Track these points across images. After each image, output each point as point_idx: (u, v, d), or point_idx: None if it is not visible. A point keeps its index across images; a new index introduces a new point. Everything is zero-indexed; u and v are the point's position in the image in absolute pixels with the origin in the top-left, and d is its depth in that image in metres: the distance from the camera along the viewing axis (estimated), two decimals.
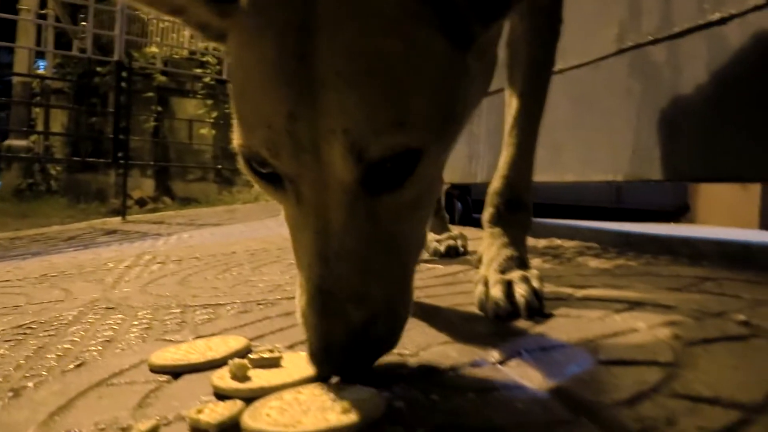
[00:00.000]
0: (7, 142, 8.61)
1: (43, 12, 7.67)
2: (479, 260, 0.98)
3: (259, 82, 0.56)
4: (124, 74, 5.03)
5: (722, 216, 3.92)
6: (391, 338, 0.61)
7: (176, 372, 0.76)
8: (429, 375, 0.65)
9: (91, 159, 6.93)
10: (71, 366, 0.87)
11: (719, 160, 1.18)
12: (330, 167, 0.54)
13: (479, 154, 2.15)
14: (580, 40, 1.18)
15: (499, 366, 0.67)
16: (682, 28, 1.26)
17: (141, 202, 7.75)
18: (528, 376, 0.63)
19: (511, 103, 1.04)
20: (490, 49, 0.74)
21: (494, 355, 0.70)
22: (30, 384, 0.82)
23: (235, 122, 0.60)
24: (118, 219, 4.85)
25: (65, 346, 1.01)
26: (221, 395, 0.66)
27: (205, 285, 1.47)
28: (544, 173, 1.65)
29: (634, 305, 0.83)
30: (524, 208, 1.02)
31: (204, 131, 8.09)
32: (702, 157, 1.21)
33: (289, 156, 0.55)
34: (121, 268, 1.99)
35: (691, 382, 0.56)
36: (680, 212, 4.13)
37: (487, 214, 1.03)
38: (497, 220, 1.01)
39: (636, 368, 0.61)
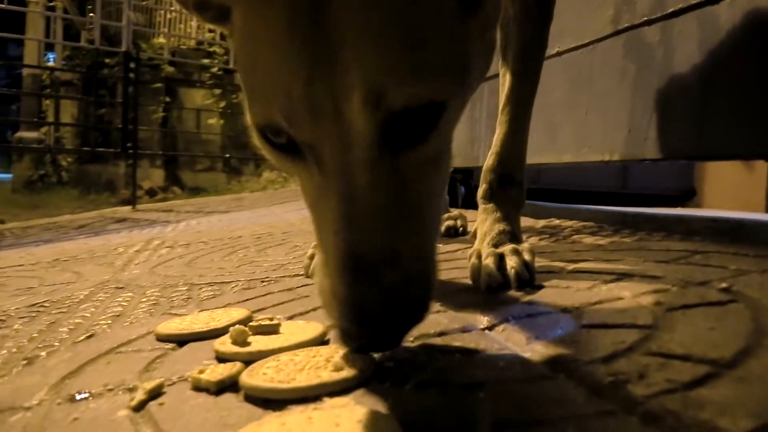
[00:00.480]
0: (18, 134, 8.67)
1: (51, 4, 7.70)
2: (474, 235, 1.01)
3: (273, 50, 0.54)
4: (131, 65, 5.07)
5: (728, 199, 3.93)
6: (426, 303, 0.58)
7: (181, 340, 0.80)
8: (418, 339, 0.68)
9: (101, 149, 6.96)
10: (82, 337, 0.91)
11: (713, 138, 1.20)
12: (352, 125, 0.52)
13: (481, 138, 2.17)
14: (576, 22, 1.20)
15: (486, 331, 0.70)
16: (675, 7, 1.28)
17: (151, 192, 7.80)
18: (513, 340, 0.66)
19: (505, 83, 1.07)
20: (489, 31, 0.75)
21: (482, 321, 0.73)
22: (42, 353, 0.86)
23: (246, 99, 0.59)
24: (128, 208, 4.90)
25: (76, 321, 1.05)
26: (222, 359, 0.70)
27: (212, 266, 1.51)
28: (541, 154, 1.67)
29: (622, 276, 0.86)
30: (516, 185, 1.05)
31: (212, 121, 8.12)
32: (696, 135, 1.23)
33: (310, 121, 0.53)
34: (130, 253, 2.04)
35: (666, 342, 0.59)
36: (686, 196, 4.15)
37: (481, 190, 1.06)
38: (490, 196, 1.04)
39: (615, 331, 0.64)
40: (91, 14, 5.84)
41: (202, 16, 0.66)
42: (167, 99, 8.17)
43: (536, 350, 0.61)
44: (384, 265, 0.53)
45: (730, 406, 0.45)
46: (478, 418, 0.48)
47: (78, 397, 0.65)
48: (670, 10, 1.28)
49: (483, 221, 1.00)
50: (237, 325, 0.73)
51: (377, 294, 0.53)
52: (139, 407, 0.59)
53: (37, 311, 1.19)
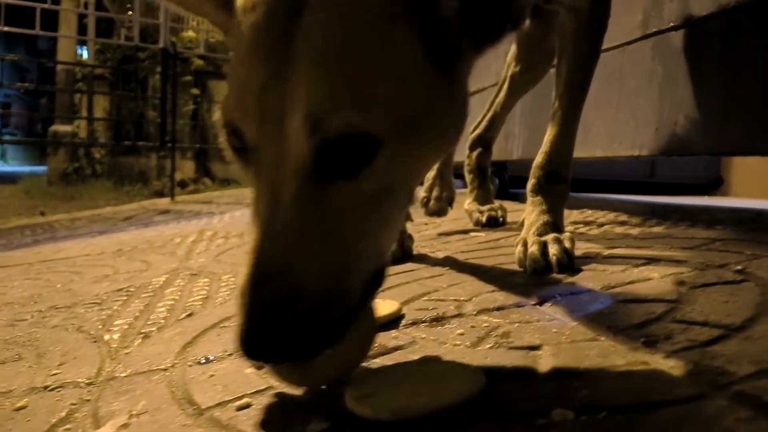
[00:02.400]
0: (53, 128, 8.92)
1: (84, 1, 7.90)
2: (521, 225, 1.14)
3: (245, 56, 0.60)
4: (169, 61, 5.25)
5: (755, 188, 4.00)
6: (320, 321, 0.57)
7: None
8: (482, 312, 0.82)
9: (140, 143, 7.16)
10: (183, 316, 1.06)
11: (736, 136, 1.32)
12: (290, 138, 0.56)
13: (515, 134, 2.30)
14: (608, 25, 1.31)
15: (537, 306, 0.84)
16: (700, 14, 1.39)
17: (182, 184, 7.99)
18: (561, 312, 0.80)
19: (557, 89, 1.19)
20: (546, 40, 0.77)
21: (533, 298, 0.87)
22: (154, 329, 1.01)
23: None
24: (167, 200, 5.08)
25: (168, 302, 1.20)
26: None
27: None
28: (574, 150, 1.79)
29: (650, 261, 0.99)
30: (562, 181, 1.17)
31: None
32: (720, 133, 1.35)
33: (257, 124, 0.58)
34: (188, 243, 2.19)
35: (688, 312, 0.73)
36: (714, 185, 4.22)
37: (529, 184, 1.18)
38: (538, 190, 1.16)
39: (646, 304, 0.78)
40: (130, 12, 6.03)
41: (220, 29, 0.74)
42: (197, 92, 8.34)
43: (581, 320, 0.75)
44: (281, 276, 0.55)
45: (737, 357, 0.58)
46: (541, 369, 0.62)
47: (203, 360, 0.80)
48: (697, 17, 1.39)
49: (530, 212, 1.13)
50: None
51: (265, 301, 0.55)
52: (261, 366, 0.74)
53: (126, 295, 1.34)
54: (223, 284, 1.30)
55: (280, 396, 0.65)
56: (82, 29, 8.07)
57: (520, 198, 2.47)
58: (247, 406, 0.63)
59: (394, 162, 0.58)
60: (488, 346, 0.71)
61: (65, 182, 8.49)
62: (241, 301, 0.56)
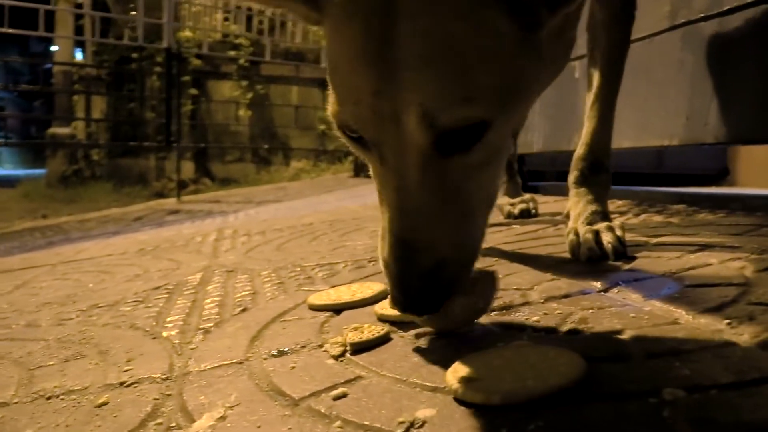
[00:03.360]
0: (51, 130, 8.89)
1: (79, 1, 7.87)
2: (567, 215, 1.15)
3: (348, 63, 0.65)
4: (173, 61, 5.24)
5: (762, 178, 4.02)
6: (459, 280, 0.69)
7: (336, 309, 0.95)
8: (550, 300, 0.83)
9: (145, 143, 7.15)
10: (237, 311, 1.07)
11: (767, 124, 1.33)
12: (407, 135, 0.62)
13: (534, 126, 2.31)
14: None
15: (603, 293, 0.85)
16: (732, 5, 1.40)
17: (182, 184, 7.96)
18: (630, 299, 0.81)
19: (593, 81, 1.20)
20: (566, 33, 0.86)
21: (597, 286, 0.88)
22: (211, 324, 1.01)
23: (330, 94, 0.70)
24: (174, 200, 5.08)
25: (216, 299, 1.21)
26: (386, 320, 0.85)
27: (305, 250, 1.66)
28: None
29: (704, 247, 1.00)
30: (605, 170, 1.19)
31: (240, 112, 8.26)
32: (753, 121, 1.36)
33: (374, 126, 0.64)
34: (210, 241, 2.19)
35: (762, 295, 0.74)
36: (721, 176, 4.24)
37: (572, 176, 1.19)
38: (582, 181, 1.17)
39: (716, 288, 0.79)
40: (133, 12, 6.02)
41: (308, 22, 0.79)
42: (195, 92, 8.33)
43: (655, 305, 0.76)
44: (423, 250, 0.65)
45: None
46: (632, 351, 0.63)
47: (277, 353, 0.81)
48: (727, 8, 1.40)
49: (576, 203, 1.14)
50: None
51: (417, 273, 0.65)
52: (340, 356, 0.75)
53: (167, 293, 1.34)
54: (265, 280, 1.31)
55: (374, 384, 0.65)
56: (78, 31, 8.04)
57: (540, 191, 2.48)
58: (344, 395, 0.63)
59: (500, 130, 0.66)
60: (569, 332, 0.71)
61: (64, 185, 8.46)
62: (390, 271, 0.67)
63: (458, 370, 0.60)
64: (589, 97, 1.21)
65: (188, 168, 8.55)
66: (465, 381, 0.57)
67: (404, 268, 0.66)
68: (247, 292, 1.22)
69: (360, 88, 0.64)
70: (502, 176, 0.77)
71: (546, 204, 1.92)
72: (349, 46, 0.65)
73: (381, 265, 0.70)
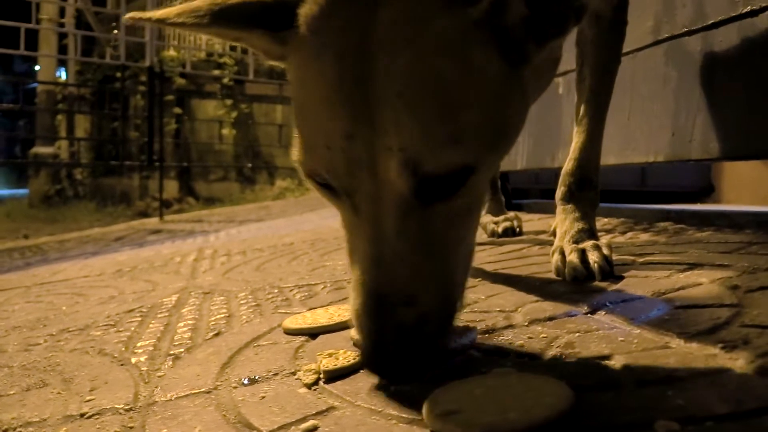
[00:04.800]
0: (34, 150, 8.81)
1: (62, 21, 7.85)
2: (553, 233, 1.12)
3: (318, 103, 0.60)
4: (156, 80, 5.21)
5: (747, 195, 4.02)
6: (441, 338, 0.63)
7: (312, 333, 0.91)
8: (534, 323, 0.80)
9: (126, 162, 7.09)
10: (210, 335, 1.02)
11: (753, 139, 1.31)
12: (386, 182, 0.57)
13: (518, 143, 2.28)
14: None
15: (590, 315, 0.81)
16: (715, 19, 1.38)
17: (166, 204, 7.90)
18: (618, 321, 0.77)
19: (581, 98, 1.18)
20: (553, 50, 0.83)
21: (583, 307, 0.84)
22: (182, 350, 0.97)
23: (295, 138, 0.64)
24: (156, 220, 5.02)
25: (189, 322, 1.16)
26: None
27: (284, 270, 1.62)
28: None
29: (693, 266, 0.97)
30: (592, 187, 1.16)
31: (225, 131, 8.23)
32: (737, 137, 1.34)
33: (346, 173, 0.59)
34: (189, 261, 2.14)
35: (756, 316, 0.70)
36: (705, 192, 4.23)
37: (559, 192, 1.16)
38: (569, 198, 1.15)
39: (708, 309, 0.75)
40: (116, 31, 5.99)
41: (267, 57, 0.72)
42: (179, 111, 8.29)
43: (644, 327, 0.73)
44: (402, 305, 0.59)
45: None
46: (622, 378, 0.59)
47: (247, 381, 0.76)
48: (710, 22, 1.38)
49: (563, 221, 1.11)
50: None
51: (393, 330, 0.59)
52: (314, 384, 0.70)
53: (140, 315, 1.29)
54: (242, 302, 1.26)
55: (347, 416, 0.61)
56: (62, 50, 8.00)
57: (524, 208, 2.45)
58: (315, 428, 0.59)
59: (484, 173, 0.63)
60: (554, 357, 0.68)
61: (47, 204, 8.39)
62: (363, 326, 0.61)
63: (436, 400, 0.56)
64: (578, 112, 1.18)
65: (172, 187, 8.49)
66: (443, 413, 0.53)
67: (380, 325, 0.60)
68: (222, 315, 1.17)
69: (331, 132, 0.58)
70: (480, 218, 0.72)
71: (530, 222, 1.89)
72: (318, 84, 0.60)
73: (351, 318, 0.64)
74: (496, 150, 0.63)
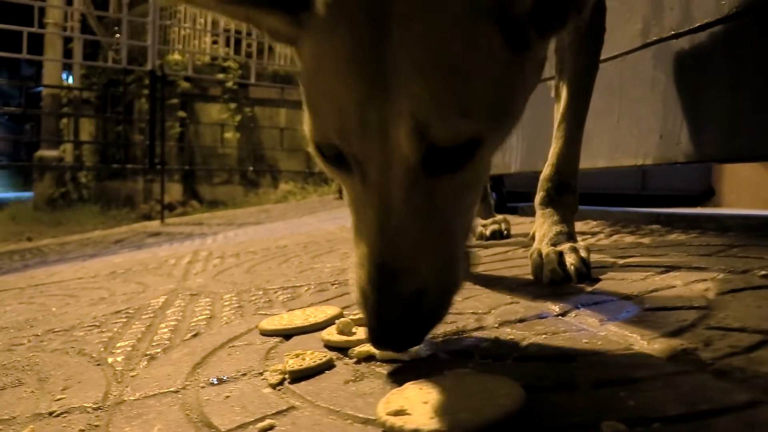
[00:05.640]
0: (39, 153, 8.85)
1: (67, 24, 7.88)
2: (532, 237, 1.11)
3: (333, 72, 0.61)
4: (158, 84, 5.22)
5: (747, 198, 4.01)
6: (441, 309, 0.65)
7: (286, 334, 0.91)
8: (504, 325, 0.80)
9: (129, 165, 7.12)
10: (188, 336, 1.03)
11: (740, 142, 1.30)
12: (396, 148, 0.58)
13: (512, 146, 2.28)
14: (606, 35, 1.30)
15: (560, 317, 0.81)
16: (702, 22, 1.38)
17: (170, 207, 7.92)
18: (587, 323, 0.77)
19: (560, 103, 1.18)
20: (536, 70, 0.83)
21: (555, 309, 0.84)
22: (159, 350, 0.97)
23: (306, 114, 0.66)
24: (157, 222, 5.03)
25: (171, 323, 1.16)
26: (332, 347, 0.81)
27: (273, 273, 1.62)
28: None
29: (670, 268, 0.97)
30: (571, 191, 1.16)
31: (228, 135, 8.25)
32: (724, 139, 1.34)
33: (359, 139, 0.59)
34: (183, 264, 2.15)
35: (722, 319, 0.70)
36: (705, 196, 4.22)
37: (538, 197, 1.16)
38: (548, 202, 1.15)
39: (676, 312, 0.75)
40: (118, 35, 6.01)
41: (273, 38, 0.73)
42: (183, 114, 8.32)
43: (611, 329, 0.72)
44: (406, 275, 0.60)
45: None
46: (579, 379, 0.59)
47: (216, 381, 0.76)
48: (697, 25, 1.38)
49: (542, 224, 1.11)
50: (343, 318, 0.84)
51: (396, 300, 0.60)
52: (278, 384, 0.70)
53: (126, 317, 1.30)
54: (225, 304, 1.27)
55: (305, 416, 0.61)
56: (67, 54, 8.03)
57: (518, 212, 2.45)
58: (270, 428, 0.59)
59: (490, 149, 0.65)
60: (517, 358, 0.68)
61: (52, 207, 8.41)
62: (366, 299, 0.62)
63: (390, 401, 0.56)
64: (556, 119, 1.19)
65: (176, 190, 8.51)
66: (393, 413, 0.53)
67: (385, 297, 0.61)
68: (204, 317, 1.17)
69: (345, 97, 0.59)
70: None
71: (521, 225, 1.89)
72: (334, 54, 0.61)
73: (355, 296, 0.65)
74: (502, 126, 0.64)
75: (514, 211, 2.36)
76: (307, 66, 0.67)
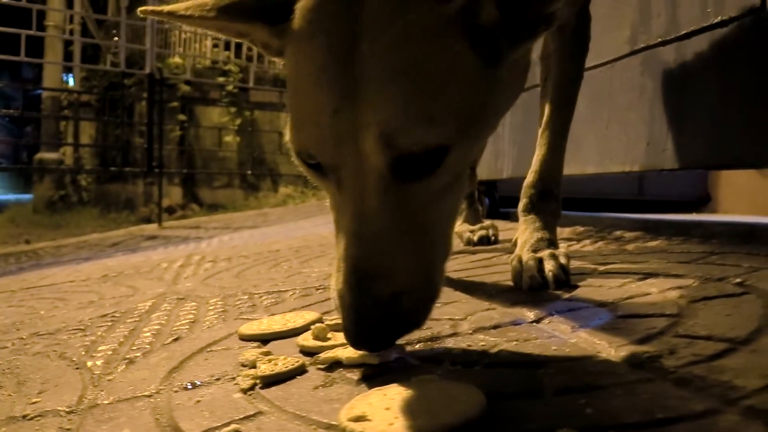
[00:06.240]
0: (39, 156, 8.86)
1: (69, 27, 7.89)
2: (515, 243, 1.12)
3: (309, 84, 0.64)
4: (156, 87, 5.24)
5: (743, 205, 4.01)
6: (418, 315, 0.66)
7: (264, 339, 0.92)
8: (478, 331, 0.80)
9: (128, 169, 7.13)
10: (169, 340, 1.03)
11: (727, 149, 1.31)
12: (366, 157, 0.61)
13: (504, 152, 2.29)
14: (594, 42, 1.30)
15: (534, 324, 0.81)
16: (688, 29, 1.39)
17: (170, 210, 7.93)
18: (559, 330, 0.77)
19: (544, 110, 1.19)
20: (521, 59, 0.84)
21: (530, 316, 0.84)
22: (138, 354, 0.97)
23: (288, 121, 0.68)
24: (154, 226, 5.03)
25: (155, 327, 1.17)
26: (307, 352, 0.81)
27: (262, 277, 1.62)
28: (566, 166, 1.78)
29: (648, 275, 0.97)
30: (554, 199, 1.17)
31: (228, 138, 8.26)
32: (710, 147, 1.34)
33: (332, 148, 0.62)
34: (175, 268, 2.15)
35: (690, 327, 0.70)
36: (701, 202, 4.22)
37: (521, 204, 1.17)
38: (530, 209, 1.15)
39: (647, 319, 0.75)
40: (116, 38, 6.02)
41: (267, 52, 0.78)
42: (184, 118, 8.32)
43: (581, 336, 0.73)
44: (380, 278, 0.62)
45: (744, 371, 0.56)
46: (544, 386, 0.59)
47: (189, 386, 0.77)
48: (683, 32, 1.39)
49: (524, 231, 1.12)
50: (318, 324, 0.85)
51: (371, 301, 0.62)
52: (250, 389, 0.71)
53: (111, 320, 1.30)
54: (210, 308, 1.27)
55: (271, 421, 0.62)
56: (68, 56, 8.04)
57: (511, 217, 2.45)
58: None
59: (460, 157, 0.65)
60: (486, 365, 0.68)
61: (51, 210, 8.41)
62: (344, 302, 0.63)
63: (354, 407, 0.57)
64: (541, 126, 1.19)
65: (176, 193, 8.52)
66: (354, 418, 0.53)
67: (360, 298, 0.62)
68: (187, 321, 1.18)
69: (320, 109, 0.62)
70: (460, 207, 0.75)
71: (512, 230, 1.88)
72: (310, 65, 0.64)
73: (333, 298, 0.67)
74: (470, 136, 0.65)
75: (507, 217, 2.35)
76: (289, 75, 0.70)
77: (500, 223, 1.96)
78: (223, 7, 0.72)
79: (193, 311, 1.27)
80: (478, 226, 1.67)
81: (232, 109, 8.30)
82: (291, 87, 0.70)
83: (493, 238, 1.64)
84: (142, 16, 0.83)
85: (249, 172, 7.90)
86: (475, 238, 1.63)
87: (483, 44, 0.65)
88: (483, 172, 2.30)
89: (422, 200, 0.64)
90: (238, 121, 8.25)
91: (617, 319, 0.78)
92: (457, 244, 1.70)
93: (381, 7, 0.62)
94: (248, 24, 0.74)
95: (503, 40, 0.67)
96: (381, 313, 0.62)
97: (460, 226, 1.71)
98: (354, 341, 0.66)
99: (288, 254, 2.09)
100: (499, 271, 1.18)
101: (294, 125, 0.67)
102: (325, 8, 0.64)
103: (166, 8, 0.76)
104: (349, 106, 0.60)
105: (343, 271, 0.64)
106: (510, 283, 1.06)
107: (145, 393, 0.77)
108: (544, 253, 1.03)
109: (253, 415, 0.63)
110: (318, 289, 1.30)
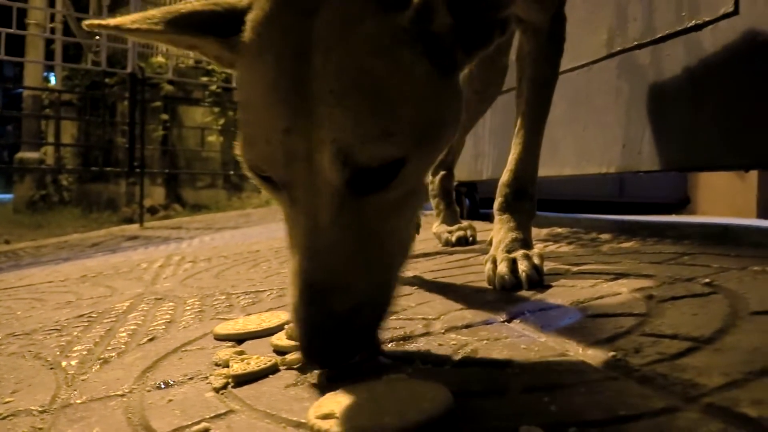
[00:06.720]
0: (19, 155, 8.78)
1: (51, 26, 7.83)
2: (490, 243, 1.13)
3: (260, 101, 0.63)
4: (138, 86, 5.21)
5: (721, 207, 4.06)
6: (373, 327, 0.66)
7: (238, 339, 0.92)
8: (450, 330, 0.81)
9: (108, 169, 7.08)
10: (144, 340, 1.03)
11: (701, 151, 1.33)
12: (321, 174, 0.60)
13: (484, 153, 2.30)
14: (572, 45, 1.32)
15: (506, 323, 0.82)
16: (663, 33, 1.41)
17: (152, 210, 7.88)
18: (529, 329, 0.78)
19: (519, 111, 1.20)
20: (498, 61, 0.84)
21: (502, 315, 0.85)
22: (113, 354, 0.97)
23: (239, 135, 0.67)
24: (136, 226, 5.01)
25: (131, 327, 1.17)
26: (280, 352, 0.82)
27: (240, 277, 1.62)
28: (543, 168, 1.78)
29: (620, 276, 0.99)
30: (529, 198, 1.18)
31: (212, 138, 8.22)
32: (685, 149, 1.36)
33: (284, 166, 0.61)
34: (155, 268, 2.15)
35: (657, 326, 0.72)
36: (681, 204, 4.27)
37: (496, 203, 1.18)
38: (505, 208, 1.16)
39: (615, 319, 0.77)
40: (97, 37, 5.98)
41: (219, 64, 0.76)
42: (166, 117, 8.28)
43: (550, 336, 0.74)
44: (334, 293, 0.61)
45: (707, 369, 0.57)
46: (510, 385, 0.60)
47: (162, 385, 0.77)
48: (659, 35, 1.41)
49: (498, 230, 1.13)
50: (291, 324, 0.85)
51: (326, 317, 0.61)
52: (222, 388, 0.71)
53: (88, 321, 1.30)
54: (187, 308, 1.27)
55: (242, 420, 0.62)
56: (49, 55, 7.98)
57: (491, 218, 2.47)
58: (206, 431, 0.60)
59: (415, 169, 0.65)
60: (456, 364, 0.69)
61: (32, 210, 8.33)
62: (298, 316, 0.63)
63: (322, 405, 0.57)
64: (516, 126, 1.20)
65: (158, 193, 8.46)
66: (321, 416, 0.54)
67: (314, 314, 0.62)
68: (164, 321, 1.18)
69: (271, 126, 0.61)
70: (418, 218, 0.74)
71: (490, 231, 1.90)
72: (260, 82, 0.63)
73: (289, 312, 0.66)
74: (427, 146, 0.65)
75: (487, 218, 2.37)
76: (239, 90, 0.69)
77: (480, 224, 1.97)
78: (171, 20, 0.70)
79: (170, 311, 1.27)
80: (456, 226, 1.68)
81: (216, 109, 8.26)
82: (241, 103, 0.69)
83: (471, 238, 1.65)
84: (88, 30, 0.80)
85: (232, 172, 7.86)
86: (453, 238, 1.64)
87: (438, 54, 0.65)
88: (463, 173, 2.31)
89: (377, 213, 0.64)
90: (221, 121, 8.21)
91: (587, 318, 0.79)
92: (435, 245, 1.71)
93: (332, 20, 0.61)
94: (197, 37, 0.72)
95: (458, 48, 0.67)
96: (335, 328, 0.62)
97: (438, 227, 1.72)
98: (308, 355, 0.65)
99: (268, 254, 2.09)
100: (475, 271, 1.19)
101: (244, 141, 0.66)
102: (275, 22, 0.63)
103: (113, 22, 0.73)
104: (301, 125, 0.59)
105: (297, 285, 0.63)
106: (484, 283, 1.07)
107: (118, 392, 0.77)
108: (518, 254, 1.04)
109: (224, 414, 0.64)
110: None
